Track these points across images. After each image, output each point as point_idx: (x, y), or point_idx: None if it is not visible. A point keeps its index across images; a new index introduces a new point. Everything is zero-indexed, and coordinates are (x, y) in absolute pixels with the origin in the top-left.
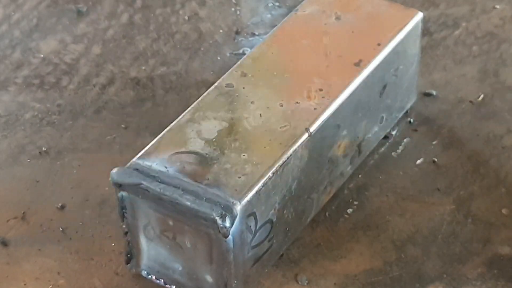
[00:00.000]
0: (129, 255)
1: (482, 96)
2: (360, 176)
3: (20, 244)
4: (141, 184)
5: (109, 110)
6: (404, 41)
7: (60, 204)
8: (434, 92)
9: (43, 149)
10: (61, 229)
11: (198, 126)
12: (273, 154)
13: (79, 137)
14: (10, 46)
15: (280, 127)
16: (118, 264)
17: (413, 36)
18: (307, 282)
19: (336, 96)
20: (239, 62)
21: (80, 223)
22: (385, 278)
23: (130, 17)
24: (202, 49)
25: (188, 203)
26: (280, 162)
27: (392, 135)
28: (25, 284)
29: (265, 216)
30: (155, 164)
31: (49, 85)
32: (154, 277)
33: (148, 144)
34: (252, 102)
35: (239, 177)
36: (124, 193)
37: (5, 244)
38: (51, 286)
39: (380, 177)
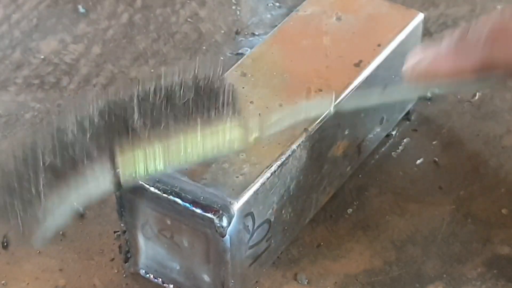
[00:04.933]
0: (127, 254)
1: (478, 95)
2: (360, 176)
3: (21, 244)
4: (139, 183)
5: None
6: (405, 42)
7: None
8: (434, 92)
9: None
10: (61, 230)
11: None
12: (272, 154)
13: None
14: (10, 46)
15: None
16: (118, 264)
17: (414, 37)
18: (307, 281)
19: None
20: (239, 62)
21: (80, 223)
22: (385, 278)
23: (130, 17)
24: (202, 49)
25: (186, 203)
26: (279, 162)
27: (392, 135)
28: (27, 284)
29: (263, 216)
30: None
31: (49, 85)
32: (152, 276)
33: None
34: (251, 102)
35: (237, 177)
36: (122, 192)
37: (5, 244)
38: (51, 286)
39: (380, 177)
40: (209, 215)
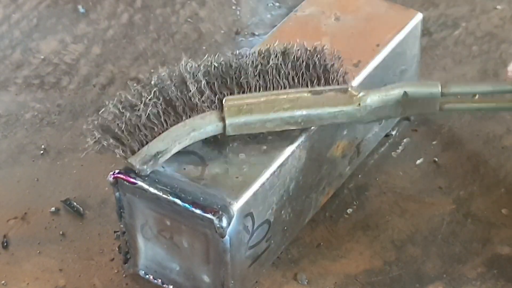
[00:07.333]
0: (127, 255)
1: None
2: (359, 176)
3: (21, 244)
4: (138, 183)
5: None
6: (404, 42)
7: (59, 205)
8: None
9: (43, 148)
10: (61, 230)
11: None
12: (271, 154)
13: (79, 137)
14: (10, 46)
15: None
16: (118, 264)
17: (413, 37)
18: (307, 281)
19: None
20: None
21: (80, 223)
22: (385, 278)
23: (130, 17)
24: (202, 49)
25: (185, 203)
26: (278, 162)
27: (392, 135)
28: (27, 284)
29: (262, 216)
30: None
31: (49, 85)
32: (151, 277)
33: None
34: None
35: (237, 177)
36: (121, 193)
37: (5, 244)
38: (51, 286)
39: (380, 177)
40: (208, 215)
